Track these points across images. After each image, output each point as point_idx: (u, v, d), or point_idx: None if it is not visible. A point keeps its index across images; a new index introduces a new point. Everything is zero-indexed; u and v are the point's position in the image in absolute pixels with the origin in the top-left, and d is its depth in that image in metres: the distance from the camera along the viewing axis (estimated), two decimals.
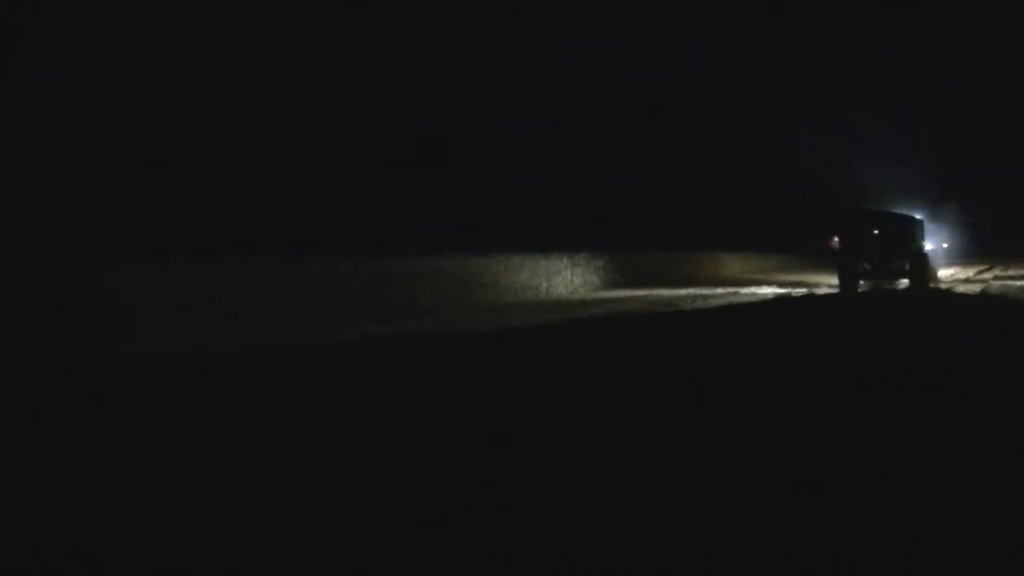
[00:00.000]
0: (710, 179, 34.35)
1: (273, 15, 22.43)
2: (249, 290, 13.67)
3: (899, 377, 6.75)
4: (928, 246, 20.79)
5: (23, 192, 14.88)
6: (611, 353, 9.15)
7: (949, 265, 25.16)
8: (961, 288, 19.00)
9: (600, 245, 22.90)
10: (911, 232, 19.93)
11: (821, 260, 27.73)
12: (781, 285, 22.50)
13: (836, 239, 26.44)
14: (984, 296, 16.45)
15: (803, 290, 20.18)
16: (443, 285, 17.27)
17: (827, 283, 21.58)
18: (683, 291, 20.26)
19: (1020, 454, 4.33)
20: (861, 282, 19.44)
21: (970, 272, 24.98)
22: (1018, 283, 19.67)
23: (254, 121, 20.42)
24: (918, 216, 20.84)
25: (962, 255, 27.77)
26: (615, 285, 22.15)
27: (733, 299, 17.57)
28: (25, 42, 16.69)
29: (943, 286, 19.82)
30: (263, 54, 21.15)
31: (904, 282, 19.53)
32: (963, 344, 8.87)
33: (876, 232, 19.52)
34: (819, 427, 5.02)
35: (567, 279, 20.94)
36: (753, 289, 20.98)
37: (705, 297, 18.42)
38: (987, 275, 23.75)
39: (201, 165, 18.66)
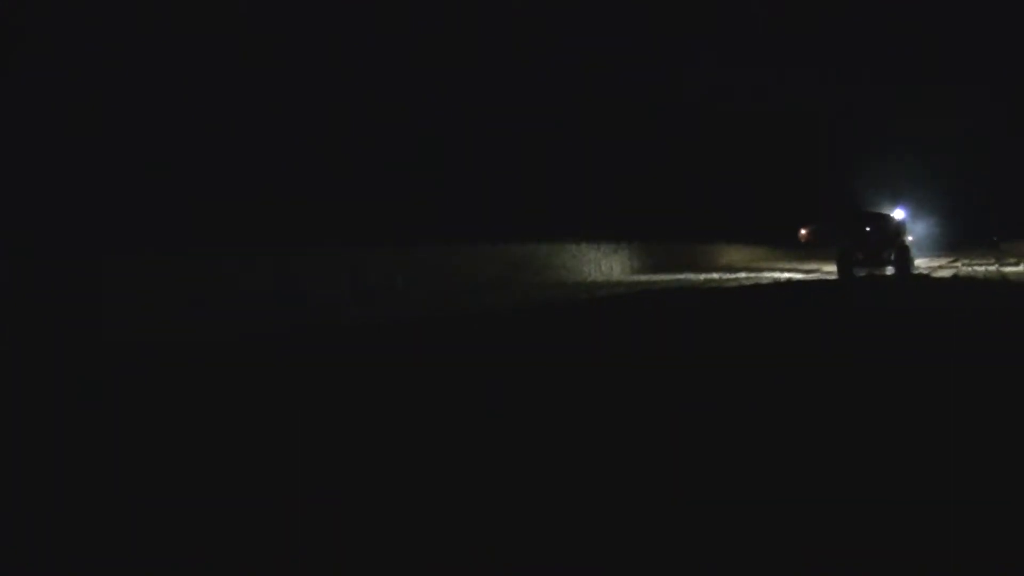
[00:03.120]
0: (719, 178, 38.51)
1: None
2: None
3: (905, 313, 11.76)
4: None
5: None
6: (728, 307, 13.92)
7: (918, 258, 30.45)
8: (936, 274, 24.03)
9: (629, 237, 27.35)
10: (895, 229, 24.73)
11: (811, 252, 32.90)
12: (788, 271, 27.32)
13: (803, 231, 31.55)
14: (956, 278, 21.44)
15: (805, 276, 24.93)
16: (517, 268, 21.53)
17: (823, 270, 26.49)
18: (706, 275, 24.96)
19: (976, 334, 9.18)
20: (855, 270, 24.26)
21: (939, 263, 30.40)
22: (980, 269, 24.87)
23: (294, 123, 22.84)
24: (900, 216, 25.76)
25: (929, 250, 33.36)
26: (648, 270, 26.87)
27: (755, 281, 22.19)
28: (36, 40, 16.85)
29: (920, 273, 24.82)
30: (299, 51, 22.29)
31: (890, 270, 24.44)
32: (949, 299, 14.19)
33: (868, 229, 24.29)
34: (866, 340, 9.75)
35: (610, 265, 25.50)
36: (762, 274, 25.65)
37: (729, 279, 23.10)
38: (957, 264, 29.20)
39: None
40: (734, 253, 36.14)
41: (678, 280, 22.37)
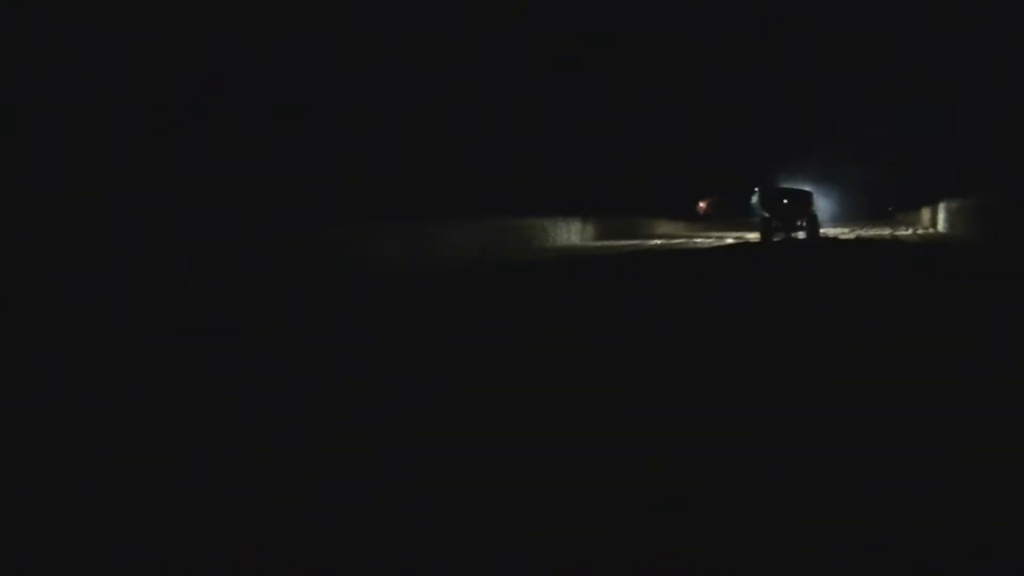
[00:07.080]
0: (651, 163, 43.61)
1: None
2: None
3: (826, 258, 17.32)
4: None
5: None
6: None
7: (825, 226, 36.76)
8: (841, 237, 30.09)
9: (580, 213, 32.54)
10: (806, 201, 30.62)
11: (713, 223, 38.81)
12: (715, 237, 33.07)
13: (702, 204, 37.24)
14: (859, 240, 27.48)
15: (735, 240, 30.69)
16: (508, 237, 26.28)
17: (747, 237, 32.31)
18: (654, 241, 30.47)
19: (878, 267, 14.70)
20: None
21: (842, 229, 36.86)
22: (875, 235, 31.14)
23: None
24: (809, 190, 31.71)
25: (835, 220, 39.96)
26: (605, 238, 32.24)
27: (696, 246, 27.75)
28: None
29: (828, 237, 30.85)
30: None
31: (801, 235, 30.32)
32: (856, 250, 19.76)
33: (785, 201, 30.11)
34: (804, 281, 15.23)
35: (575, 234, 30.79)
36: (694, 241, 31.31)
37: (675, 244, 28.59)
38: (859, 230, 35.63)
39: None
40: (659, 226, 41.81)
41: (633, 245, 27.67)
